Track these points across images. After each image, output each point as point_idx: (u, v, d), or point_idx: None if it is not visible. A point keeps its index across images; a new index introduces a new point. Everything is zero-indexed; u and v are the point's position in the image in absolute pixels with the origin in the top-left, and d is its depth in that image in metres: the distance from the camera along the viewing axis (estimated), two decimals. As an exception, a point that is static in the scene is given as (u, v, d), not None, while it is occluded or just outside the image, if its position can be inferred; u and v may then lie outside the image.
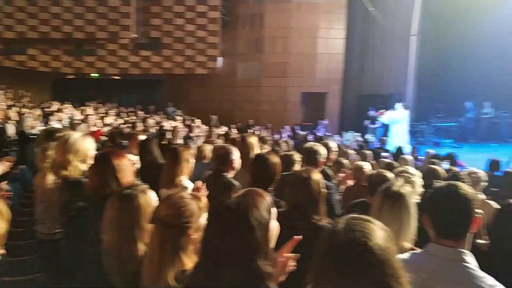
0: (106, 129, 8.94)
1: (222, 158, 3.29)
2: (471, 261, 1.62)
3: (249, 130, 12.77)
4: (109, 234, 1.94)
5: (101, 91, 16.63)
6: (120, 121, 11.23)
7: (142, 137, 4.73)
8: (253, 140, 4.04)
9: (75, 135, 2.94)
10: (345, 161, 5.24)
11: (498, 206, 3.13)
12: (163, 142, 6.32)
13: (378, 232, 1.07)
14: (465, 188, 1.66)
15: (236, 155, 3.32)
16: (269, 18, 16.29)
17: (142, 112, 14.33)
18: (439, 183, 1.77)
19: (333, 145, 4.62)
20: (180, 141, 7.15)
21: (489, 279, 1.55)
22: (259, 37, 16.43)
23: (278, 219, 1.44)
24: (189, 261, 1.62)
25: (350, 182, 4.26)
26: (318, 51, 16.41)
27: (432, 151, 7.83)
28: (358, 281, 1.01)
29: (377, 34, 16.63)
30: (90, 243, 2.32)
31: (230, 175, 3.26)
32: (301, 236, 1.54)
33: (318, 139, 9.96)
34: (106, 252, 1.95)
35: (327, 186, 3.13)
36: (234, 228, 1.28)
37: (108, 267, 1.93)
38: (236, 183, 3.09)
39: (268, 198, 1.39)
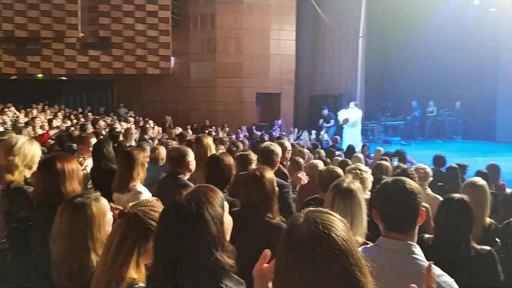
0: (53, 132, 8.55)
1: (176, 160, 3.25)
2: (419, 253, 1.70)
3: (206, 131, 12.67)
4: (59, 244, 1.85)
5: (47, 92, 15.87)
6: (69, 123, 10.78)
7: (93, 140, 4.57)
8: (210, 141, 4.03)
9: (22, 139, 2.80)
10: (301, 160, 5.34)
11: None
12: (115, 145, 6.13)
13: (338, 223, 1.07)
14: (411, 182, 1.74)
15: (191, 156, 3.29)
16: (221, 19, 16.26)
17: (91, 114, 13.85)
18: (386, 179, 1.84)
19: (288, 144, 4.70)
20: (133, 143, 6.97)
21: (437, 270, 1.64)
22: (211, 37, 16.35)
23: (232, 218, 1.45)
24: (137, 272, 1.57)
25: (305, 180, 4.35)
26: (271, 52, 16.59)
27: (381, 148, 8.14)
28: (323, 272, 1.01)
29: (327, 36, 17.10)
30: (38, 255, 2.22)
31: (186, 177, 3.22)
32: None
33: (274, 139, 10.07)
34: (55, 264, 1.86)
35: (282, 185, 3.18)
36: (188, 225, 1.27)
37: (58, 279, 1.84)
38: (192, 185, 3.06)
39: (220, 193, 1.39)
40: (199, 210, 1.28)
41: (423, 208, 1.73)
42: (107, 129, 8.97)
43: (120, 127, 9.86)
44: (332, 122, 14.78)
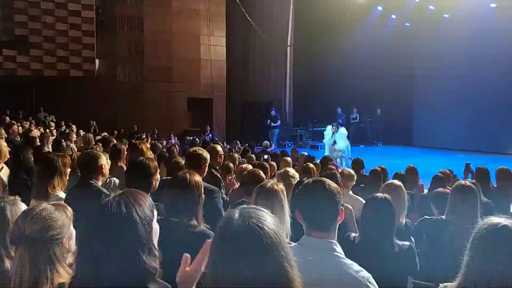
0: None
1: (87, 164, 3.03)
2: (340, 250, 1.77)
3: (135, 136, 12.23)
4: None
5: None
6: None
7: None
8: (145, 147, 3.92)
9: None
10: (231, 165, 5.38)
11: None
12: (32, 151, 5.73)
13: (268, 218, 1.15)
14: (330, 183, 1.81)
15: (104, 160, 3.10)
16: (149, 22, 15.91)
17: (8, 118, 12.75)
18: (307, 180, 1.90)
19: (220, 148, 4.67)
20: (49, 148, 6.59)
21: (355, 266, 1.72)
22: (140, 40, 15.92)
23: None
24: (66, 273, 1.51)
25: (236, 184, 4.38)
26: (202, 57, 16.53)
27: (305, 153, 8.42)
28: (256, 262, 1.07)
29: (257, 44, 17.48)
30: None
31: (99, 182, 3.03)
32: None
33: (206, 144, 10.01)
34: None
35: (212, 190, 3.15)
36: (116, 224, 1.25)
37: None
38: (106, 191, 2.88)
39: (149, 198, 1.39)
40: (128, 210, 1.27)
41: (342, 207, 1.81)
42: (22, 134, 8.35)
43: (36, 132, 9.17)
44: (278, 122, 15.54)
